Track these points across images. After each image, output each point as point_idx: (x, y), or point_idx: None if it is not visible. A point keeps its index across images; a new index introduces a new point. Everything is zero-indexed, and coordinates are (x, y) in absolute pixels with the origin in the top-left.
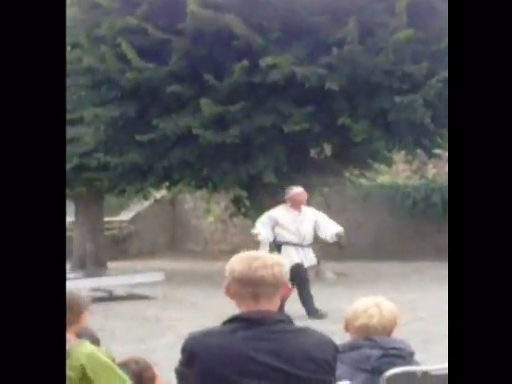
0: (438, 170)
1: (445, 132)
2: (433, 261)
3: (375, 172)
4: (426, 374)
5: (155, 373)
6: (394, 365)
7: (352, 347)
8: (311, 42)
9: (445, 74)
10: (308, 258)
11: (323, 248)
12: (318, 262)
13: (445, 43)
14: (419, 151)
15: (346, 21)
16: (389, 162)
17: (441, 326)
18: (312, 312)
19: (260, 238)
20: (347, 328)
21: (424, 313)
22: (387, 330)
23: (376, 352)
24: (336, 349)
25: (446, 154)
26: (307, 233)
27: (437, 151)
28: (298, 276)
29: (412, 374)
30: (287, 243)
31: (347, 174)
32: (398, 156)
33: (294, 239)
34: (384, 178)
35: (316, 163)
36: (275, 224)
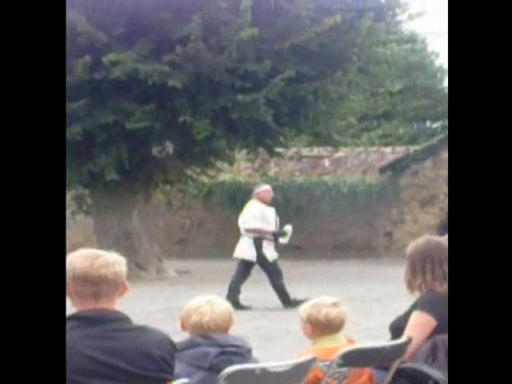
0: (279, 169)
1: (287, 131)
2: None
3: (217, 170)
4: (264, 370)
5: None
6: (231, 362)
7: (189, 345)
8: (155, 39)
9: (288, 72)
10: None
11: (164, 246)
12: (160, 260)
13: (288, 42)
14: (261, 150)
15: (191, 18)
16: (231, 161)
17: (282, 323)
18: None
19: (259, 228)
20: (183, 326)
21: (266, 310)
22: (221, 327)
23: (213, 349)
24: (174, 346)
25: (289, 153)
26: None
27: (279, 150)
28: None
29: (250, 372)
30: (268, 238)
31: (189, 172)
32: (240, 154)
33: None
34: (226, 176)
35: (158, 161)
36: (262, 218)
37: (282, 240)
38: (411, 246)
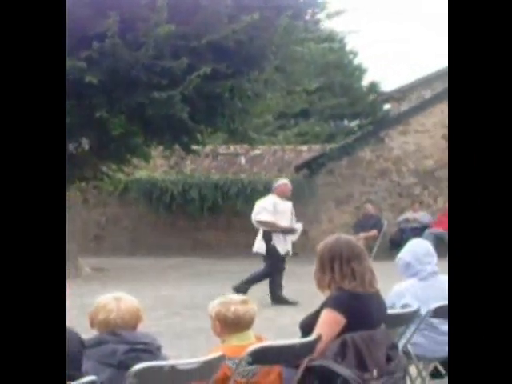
0: (196, 166)
1: (203, 128)
2: (189, 256)
3: (133, 167)
4: (173, 368)
5: None
6: (140, 359)
7: (98, 342)
8: (72, 35)
9: (204, 69)
10: (291, 247)
11: (80, 243)
12: (76, 257)
13: (206, 39)
14: (177, 147)
15: (108, 14)
16: (147, 157)
17: (195, 320)
18: (276, 299)
19: (270, 222)
20: (92, 324)
21: (179, 308)
22: (129, 324)
23: (122, 347)
24: (82, 343)
25: (205, 150)
26: (294, 222)
27: (195, 147)
28: (281, 263)
29: (159, 369)
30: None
31: (105, 169)
32: (156, 151)
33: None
34: (142, 172)
35: (74, 157)
36: (275, 212)
37: (291, 237)
38: (321, 245)
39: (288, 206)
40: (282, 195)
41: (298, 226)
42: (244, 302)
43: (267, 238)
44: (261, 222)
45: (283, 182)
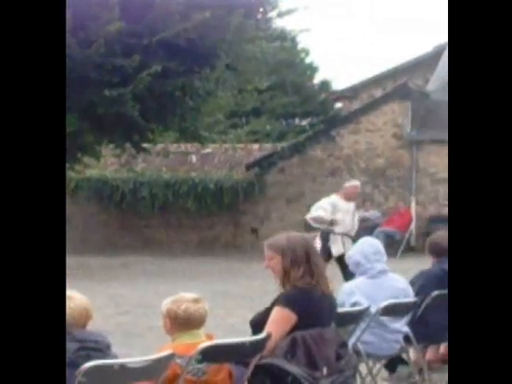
0: (147, 164)
1: (154, 126)
2: (139, 255)
3: (84, 165)
4: (123, 366)
5: None
6: (90, 358)
7: None
8: None
9: (155, 67)
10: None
11: None
12: None
13: (157, 37)
14: (128, 145)
15: None
16: (97, 156)
17: (145, 319)
18: None
19: (323, 217)
20: None
21: (129, 306)
22: (79, 322)
23: (72, 345)
24: None
25: (156, 148)
26: (355, 224)
27: (146, 145)
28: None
29: (109, 367)
30: (337, 232)
31: None
32: (107, 149)
33: (346, 228)
34: (92, 171)
35: None
36: (334, 211)
37: (337, 229)
38: (279, 241)
39: (348, 206)
40: (347, 197)
41: (338, 217)
42: (196, 301)
43: (324, 238)
44: (311, 218)
45: (352, 184)
